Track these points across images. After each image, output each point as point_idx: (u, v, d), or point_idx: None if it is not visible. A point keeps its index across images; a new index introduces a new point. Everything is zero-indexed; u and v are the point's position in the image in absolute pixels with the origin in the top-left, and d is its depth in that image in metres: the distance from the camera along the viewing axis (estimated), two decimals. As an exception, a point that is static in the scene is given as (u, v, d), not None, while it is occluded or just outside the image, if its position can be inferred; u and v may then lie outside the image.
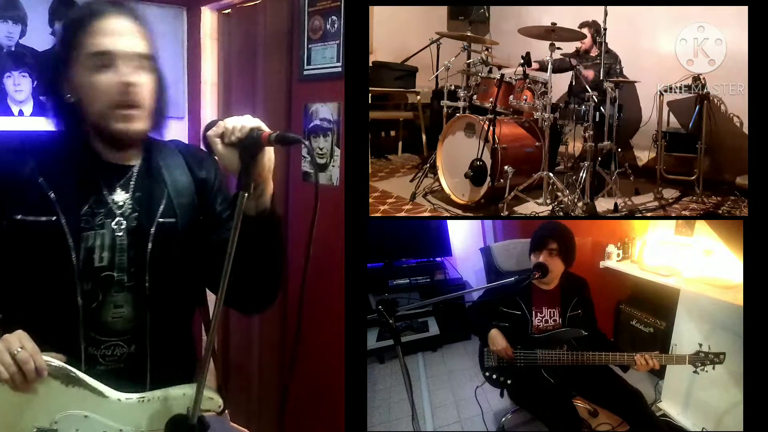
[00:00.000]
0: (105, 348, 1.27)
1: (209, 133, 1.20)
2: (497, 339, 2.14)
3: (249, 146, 1.15)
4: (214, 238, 1.32)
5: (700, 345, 2.01)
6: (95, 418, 1.21)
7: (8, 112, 2.92)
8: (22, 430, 1.20)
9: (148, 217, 1.31)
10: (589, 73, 3.28)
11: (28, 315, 1.26)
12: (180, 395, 1.26)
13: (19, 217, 1.24)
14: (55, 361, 1.20)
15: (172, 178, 1.36)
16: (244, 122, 1.18)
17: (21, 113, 2.95)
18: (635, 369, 2.07)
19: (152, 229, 1.30)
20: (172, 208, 1.33)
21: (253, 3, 2.92)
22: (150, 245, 1.29)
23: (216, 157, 1.22)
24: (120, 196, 1.31)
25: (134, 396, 1.24)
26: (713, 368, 1.98)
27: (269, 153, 1.18)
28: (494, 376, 2.22)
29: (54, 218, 1.24)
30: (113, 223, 1.29)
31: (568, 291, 2.22)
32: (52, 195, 1.25)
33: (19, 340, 1.17)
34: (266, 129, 1.17)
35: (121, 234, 1.29)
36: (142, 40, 1.29)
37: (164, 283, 1.31)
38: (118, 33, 1.25)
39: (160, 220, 1.31)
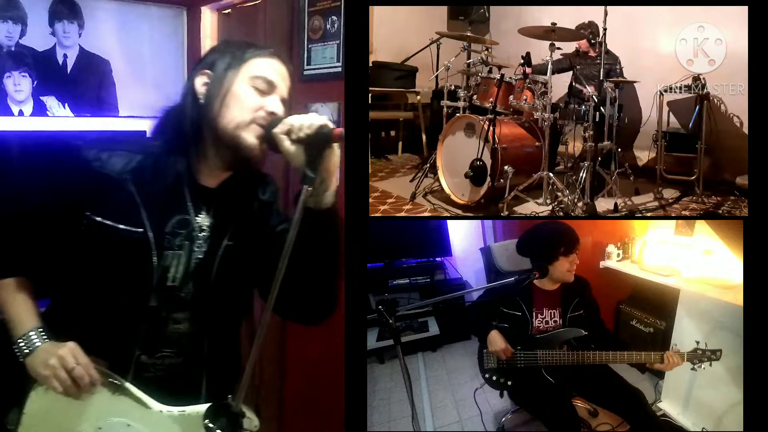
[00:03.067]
0: (156, 358, 1.28)
1: (275, 130, 1.22)
2: (496, 340, 2.14)
3: (318, 142, 1.18)
4: (269, 248, 1.30)
5: (698, 342, 2.01)
6: (137, 428, 1.23)
7: (8, 112, 2.92)
8: None
9: (217, 240, 1.31)
10: (590, 88, 3.25)
11: (84, 317, 1.27)
12: None
13: (99, 219, 1.24)
14: (104, 370, 1.22)
15: (240, 201, 1.36)
16: (311, 120, 1.20)
17: (21, 113, 2.95)
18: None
19: (219, 252, 1.31)
20: (238, 230, 1.33)
21: (253, 3, 2.93)
22: (216, 267, 1.30)
23: (282, 153, 1.22)
24: (205, 220, 1.31)
25: (175, 409, 1.25)
26: (710, 365, 1.99)
27: (336, 149, 1.21)
28: (494, 378, 2.22)
29: (141, 230, 1.24)
30: (194, 246, 1.29)
31: (570, 292, 2.23)
32: (142, 206, 1.24)
33: (73, 355, 1.19)
34: (332, 126, 1.20)
35: (198, 258, 1.29)
36: (288, 86, 1.34)
37: (225, 303, 1.34)
38: (279, 74, 1.32)
39: (227, 243, 1.32)
